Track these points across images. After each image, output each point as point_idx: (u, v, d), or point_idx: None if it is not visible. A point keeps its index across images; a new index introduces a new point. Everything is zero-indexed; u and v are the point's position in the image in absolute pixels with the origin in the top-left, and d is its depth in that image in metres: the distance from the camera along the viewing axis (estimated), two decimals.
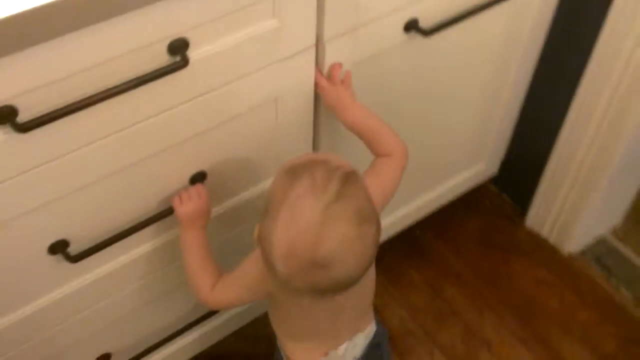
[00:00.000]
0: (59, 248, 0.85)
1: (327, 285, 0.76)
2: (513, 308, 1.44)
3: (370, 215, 0.76)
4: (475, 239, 1.56)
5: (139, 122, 0.80)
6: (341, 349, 0.94)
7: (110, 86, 0.73)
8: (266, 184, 1.03)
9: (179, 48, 0.75)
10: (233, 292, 0.92)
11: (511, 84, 1.29)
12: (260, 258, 0.84)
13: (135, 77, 0.74)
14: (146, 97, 0.77)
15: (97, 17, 0.67)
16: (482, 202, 1.62)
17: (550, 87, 1.33)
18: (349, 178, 0.76)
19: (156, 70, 0.74)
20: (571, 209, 1.43)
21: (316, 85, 0.94)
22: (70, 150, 0.76)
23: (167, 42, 0.75)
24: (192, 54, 0.77)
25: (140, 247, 0.95)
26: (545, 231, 1.53)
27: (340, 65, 0.94)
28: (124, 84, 0.73)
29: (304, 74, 0.92)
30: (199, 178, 0.93)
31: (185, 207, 0.90)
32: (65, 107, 0.70)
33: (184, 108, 0.82)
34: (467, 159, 1.43)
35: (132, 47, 0.72)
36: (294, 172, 0.77)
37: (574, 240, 1.49)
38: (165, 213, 0.91)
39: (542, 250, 1.53)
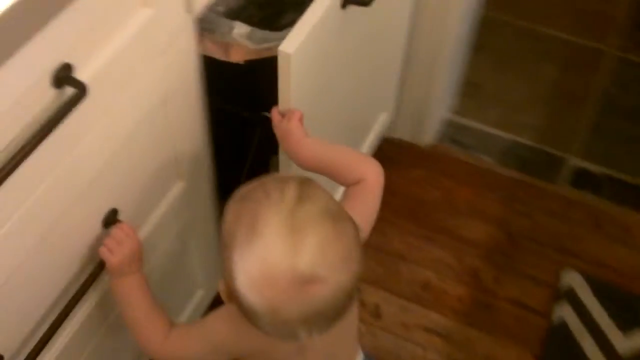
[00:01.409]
0: None
1: (321, 306, 0.64)
2: (406, 214, 1.49)
3: (342, 214, 0.67)
4: None
5: (42, 183, 0.65)
6: None
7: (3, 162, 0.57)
8: (174, 191, 0.92)
9: (65, 77, 0.61)
10: (191, 348, 0.80)
11: (407, 25, 1.29)
12: (231, 316, 0.74)
13: (31, 135, 0.58)
14: (46, 150, 0.62)
15: None
16: None
17: None
18: (305, 181, 0.67)
19: (57, 114, 0.59)
20: (419, 104, 1.50)
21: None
22: None
23: (50, 74, 0.60)
24: (82, 77, 0.63)
25: (77, 316, 0.80)
26: (399, 134, 1.58)
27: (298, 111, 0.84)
28: (17, 154, 0.57)
29: (186, 59, 0.81)
30: (112, 218, 0.79)
31: (119, 255, 0.76)
32: None
33: (87, 143, 0.68)
34: (376, 114, 1.42)
35: (13, 99, 0.57)
36: (244, 196, 0.67)
37: (428, 131, 1.56)
38: (96, 272, 0.77)
39: (404, 152, 1.59)
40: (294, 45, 0.79)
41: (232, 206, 0.68)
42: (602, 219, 1.50)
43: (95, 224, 0.78)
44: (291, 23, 0.81)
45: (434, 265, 1.43)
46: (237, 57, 0.88)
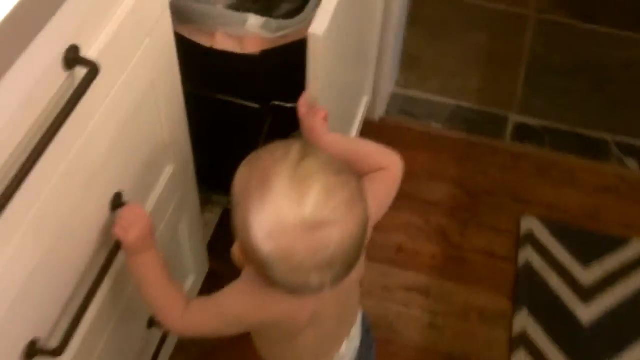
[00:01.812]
0: (34, 351, 0.70)
1: (330, 251, 0.68)
2: None
3: (345, 168, 0.71)
4: None
5: (58, 169, 0.67)
6: (343, 347, 0.92)
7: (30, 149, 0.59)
8: (165, 175, 0.95)
9: (75, 58, 0.64)
10: (208, 323, 0.83)
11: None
12: (245, 289, 0.79)
13: (54, 117, 0.61)
14: (62, 134, 0.64)
15: None
16: None
17: None
18: (308, 145, 0.72)
19: (76, 93, 0.62)
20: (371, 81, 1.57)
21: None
22: None
23: (61, 58, 0.63)
24: (90, 56, 0.65)
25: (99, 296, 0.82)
26: None
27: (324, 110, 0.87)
28: (45, 134, 0.60)
29: (165, 44, 0.84)
30: (117, 201, 0.82)
31: (133, 233, 0.79)
32: None
33: (94, 126, 0.71)
34: (360, 97, 1.47)
35: (31, 85, 0.59)
36: (252, 160, 0.72)
37: (379, 106, 1.64)
38: (113, 253, 0.79)
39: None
40: (322, 27, 0.82)
41: (241, 169, 0.72)
42: (548, 167, 1.61)
43: (103, 209, 0.80)
44: (290, 13, 0.85)
45: (404, 230, 1.50)
46: (252, 48, 0.91)
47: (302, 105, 0.88)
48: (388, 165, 0.86)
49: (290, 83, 0.88)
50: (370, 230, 0.78)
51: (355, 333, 0.95)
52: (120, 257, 0.82)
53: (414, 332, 1.37)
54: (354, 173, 0.73)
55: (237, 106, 1.05)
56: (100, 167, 0.75)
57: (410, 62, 1.76)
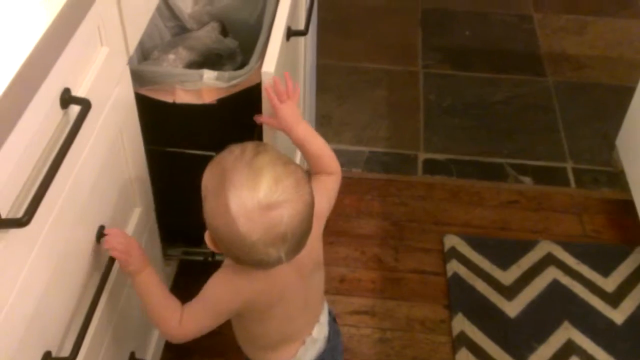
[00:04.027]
0: None
1: (282, 226, 0.81)
2: None
3: (291, 161, 0.86)
4: None
5: (57, 203, 0.80)
6: (314, 332, 1.03)
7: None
8: (135, 216, 1.08)
9: (68, 98, 0.79)
10: (201, 323, 0.93)
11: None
12: (223, 280, 0.91)
13: (57, 150, 0.75)
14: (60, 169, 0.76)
15: None
16: None
17: None
18: (260, 144, 0.87)
19: (73, 129, 0.76)
20: None
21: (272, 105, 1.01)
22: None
23: (58, 98, 0.78)
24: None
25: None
26: None
27: (279, 79, 1.00)
28: (52, 165, 0.73)
29: (128, 97, 1.00)
30: (101, 232, 0.95)
31: (133, 261, 0.92)
32: None
33: (82, 160, 0.85)
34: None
35: (38, 124, 0.73)
36: (214, 160, 0.87)
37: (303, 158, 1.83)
38: (105, 275, 0.92)
39: None
40: (272, 67, 1.00)
41: (207, 169, 0.87)
42: (458, 192, 1.84)
43: (91, 239, 0.92)
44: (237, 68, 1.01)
45: (344, 262, 1.66)
46: (209, 98, 1.06)
47: (272, 97, 1.00)
48: (334, 172, 1.03)
49: (243, 129, 1.03)
50: (324, 220, 0.95)
51: (324, 321, 1.06)
52: (112, 278, 0.94)
53: (367, 348, 1.50)
54: (300, 166, 0.88)
55: (198, 158, 1.13)
56: (87, 200, 0.89)
57: (324, 121, 1.99)
